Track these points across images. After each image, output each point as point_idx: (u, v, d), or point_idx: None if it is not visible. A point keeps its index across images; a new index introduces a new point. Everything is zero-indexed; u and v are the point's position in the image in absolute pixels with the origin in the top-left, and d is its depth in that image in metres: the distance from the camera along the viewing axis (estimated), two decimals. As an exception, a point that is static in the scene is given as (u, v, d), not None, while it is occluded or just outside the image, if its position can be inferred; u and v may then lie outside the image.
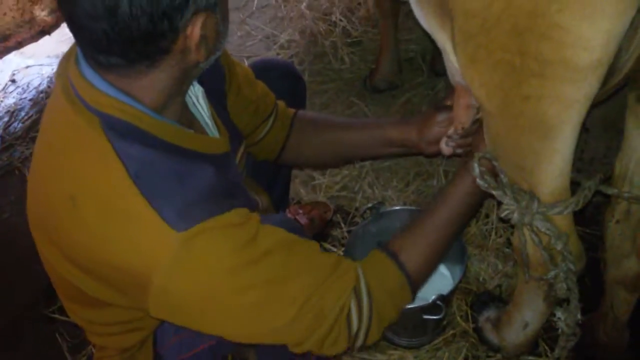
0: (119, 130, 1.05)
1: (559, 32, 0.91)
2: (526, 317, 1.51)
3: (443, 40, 1.18)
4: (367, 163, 2.32)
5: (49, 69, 3.17)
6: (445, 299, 1.59)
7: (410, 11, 1.33)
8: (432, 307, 1.58)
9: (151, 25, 0.98)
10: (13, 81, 3.12)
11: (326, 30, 3.00)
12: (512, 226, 1.32)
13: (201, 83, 1.29)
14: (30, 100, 2.99)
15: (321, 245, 2.05)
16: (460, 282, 1.71)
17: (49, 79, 3.10)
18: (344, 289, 1.15)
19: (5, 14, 2.43)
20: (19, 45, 2.60)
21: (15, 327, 2.03)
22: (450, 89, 1.45)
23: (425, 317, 1.59)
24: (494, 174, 1.24)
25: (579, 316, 1.29)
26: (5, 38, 2.49)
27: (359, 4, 3.10)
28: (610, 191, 1.30)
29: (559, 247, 1.19)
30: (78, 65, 1.09)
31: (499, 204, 1.25)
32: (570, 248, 1.22)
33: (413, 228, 1.31)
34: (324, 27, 3.02)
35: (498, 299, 1.78)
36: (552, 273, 1.24)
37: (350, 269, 1.18)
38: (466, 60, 1.09)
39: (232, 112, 1.47)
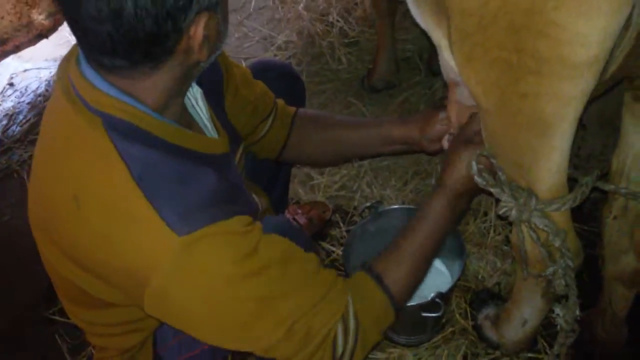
0: (121, 131, 1.06)
1: (556, 30, 0.92)
2: (525, 314, 1.52)
3: (439, 37, 1.18)
4: (366, 162, 2.32)
5: (47, 72, 3.17)
6: (444, 296, 1.59)
7: (407, 11, 1.33)
8: (431, 305, 1.58)
9: (156, 27, 0.99)
10: (11, 85, 3.12)
11: (323, 30, 3.01)
12: (511, 224, 1.33)
13: (199, 84, 1.29)
14: (28, 103, 3.00)
15: (320, 245, 2.06)
16: (459, 279, 1.71)
17: (47, 82, 3.10)
18: (333, 314, 1.16)
19: (2, 17, 2.43)
20: (17, 49, 2.61)
21: (15, 329, 2.03)
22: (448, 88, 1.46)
23: (424, 314, 1.60)
24: (492, 172, 1.25)
25: (577, 312, 1.30)
26: (3, 42, 2.49)
27: (356, 4, 3.11)
28: (607, 187, 1.31)
29: (557, 243, 1.20)
30: (79, 66, 1.10)
31: (497, 201, 1.26)
32: (569, 244, 1.22)
33: (396, 249, 1.32)
34: (321, 27, 3.02)
35: (497, 297, 1.79)
36: (551, 269, 1.24)
37: (341, 294, 1.19)
38: (463, 59, 1.10)
39: (230, 112, 1.47)
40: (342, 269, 1.90)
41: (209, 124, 1.31)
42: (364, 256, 1.81)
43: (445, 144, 1.48)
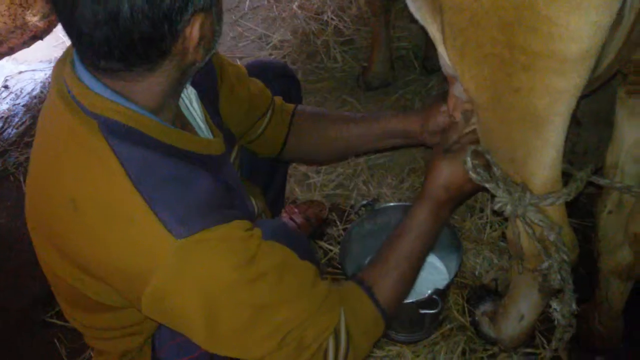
0: (117, 133, 1.05)
1: (547, 25, 0.92)
2: (522, 309, 1.52)
3: (434, 32, 1.18)
4: (362, 160, 2.33)
5: (42, 74, 3.16)
6: (441, 293, 1.60)
7: (402, 9, 1.34)
8: (428, 302, 1.58)
9: (152, 29, 0.98)
10: (6, 87, 3.11)
11: (318, 29, 3.01)
12: (507, 220, 1.33)
13: (194, 84, 1.29)
14: (23, 106, 2.99)
15: (317, 244, 2.06)
16: (455, 276, 1.71)
17: (42, 84, 3.10)
18: (326, 327, 1.16)
19: (-4, 19, 2.43)
20: (11, 51, 2.61)
21: (13, 333, 2.03)
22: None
23: (422, 311, 1.60)
24: (487, 168, 1.25)
25: (574, 307, 1.30)
26: (-2, 44, 2.49)
27: (351, 2, 3.11)
28: (602, 182, 1.31)
29: (552, 238, 1.20)
30: (74, 69, 1.09)
31: (493, 197, 1.26)
32: (564, 239, 1.23)
33: (384, 261, 1.32)
34: (316, 26, 3.03)
35: (494, 293, 1.79)
36: (546, 264, 1.25)
37: (335, 306, 1.19)
38: (455, 55, 1.10)
39: (226, 110, 1.47)
40: (339, 267, 1.90)
41: (203, 125, 1.31)
42: (361, 254, 1.83)
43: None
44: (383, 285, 1.28)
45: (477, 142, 1.28)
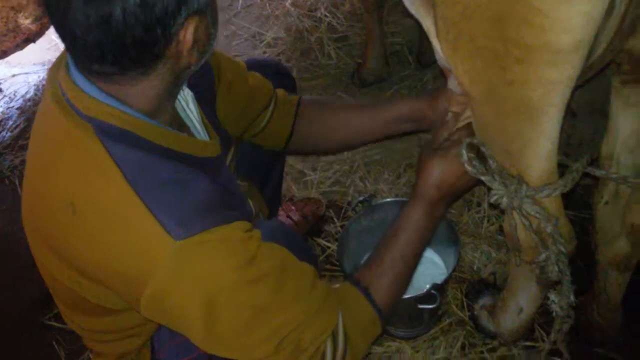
0: (112, 136, 1.05)
1: (539, 16, 0.92)
2: (520, 302, 1.52)
3: (429, 24, 1.18)
4: (358, 157, 2.33)
5: (36, 76, 3.15)
6: (439, 288, 1.60)
7: (395, 4, 1.33)
8: (426, 297, 1.58)
9: (145, 33, 0.98)
10: (-1, 90, 3.11)
11: (312, 26, 3.00)
12: (504, 213, 1.33)
13: (191, 85, 1.28)
14: (17, 109, 2.98)
15: (315, 241, 2.06)
16: (453, 270, 1.71)
17: (35, 87, 3.09)
18: (324, 329, 1.15)
19: (-12, 23, 2.42)
20: (4, 54, 2.60)
21: (12, 336, 2.03)
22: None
23: (421, 306, 1.60)
24: (483, 160, 1.25)
25: (572, 298, 1.30)
26: (-10, 48, 2.49)
27: (344, -1, 3.11)
28: (598, 173, 1.31)
29: (549, 229, 1.20)
30: (69, 72, 1.09)
31: (489, 191, 1.26)
32: (561, 230, 1.23)
33: (380, 262, 1.32)
34: (309, 23, 3.02)
35: (492, 286, 1.79)
36: (543, 256, 1.24)
37: (333, 308, 1.19)
38: (449, 48, 1.10)
39: (225, 110, 1.46)
40: (338, 264, 1.90)
41: (200, 127, 1.30)
42: (359, 251, 1.83)
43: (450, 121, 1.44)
44: (379, 285, 1.28)
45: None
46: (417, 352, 1.74)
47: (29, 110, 2.94)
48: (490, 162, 1.22)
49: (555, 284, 1.34)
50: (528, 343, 1.69)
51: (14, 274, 2.17)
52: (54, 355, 1.92)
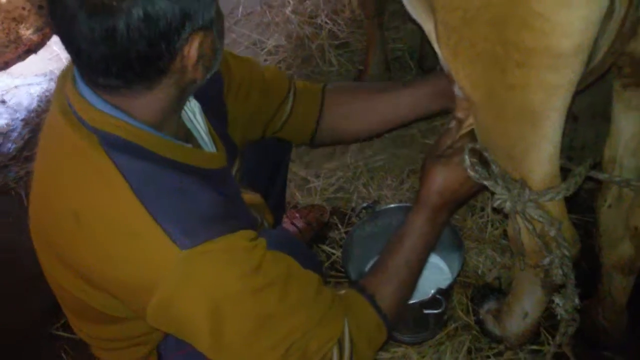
0: (118, 147, 1.06)
1: (539, 20, 0.92)
2: (526, 306, 1.52)
3: (430, 29, 1.18)
4: (361, 163, 2.33)
5: (38, 87, 3.16)
6: (444, 292, 1.60)
7: (396, 10, 1.34)
8: (432, 302, 1.58)
9: (149, 48, 0.98)
10: (3, 102, 3.11)
11: (312, 33, 3.01)
12: (507, 217, 1.33)
13: (198, 95, 1.28)
14: (22, 120, 2.98)
15: (320, 248, 2.06)
16: (458, 275, 1.71)
17: (39, 98, 3.09)
18: (330, 337, 1.16)
19: (-11, 34, 2.43)
20: (6, 65, 2.61)
21: (20, 346, 2.03)
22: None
23: (426, 311, 1.60)
24: (486, 165, 1.25)
25: (576, 301, 1.30)
26: (-8, 59, 2.50)
27: (344, 5, 3.10)
28: (600, 176, 1.31)
29: (553, 233, 1.20)
30: (75, 84, 1.10)
31: (493, 195, 1.26)
32: (564, 234, 1.23)
33: (385, 269, 1.32)
34: (310, 30, 3.02)
35: (497, 291, 1.79)
36: (547, 259, 1.24)
37: (339, 315, 1.19)
38: (449, 53, 1.10)
39: (238, 110, 1.46)
40: (342, 270, 1.90)
41: (206, 138, 1.30)
42: (364, 257, 1.83)
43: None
44: (384, 292, 1.28)
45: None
46: (423, 357, 1.74)
47: (33, 122, 2.94)
48: (493, 166, 1.22)
49: (559, 288, 1.34)
50: (534, 347, 1.69)
51: (22, 285, 2.17)
52: (61, 364, 1.92)
